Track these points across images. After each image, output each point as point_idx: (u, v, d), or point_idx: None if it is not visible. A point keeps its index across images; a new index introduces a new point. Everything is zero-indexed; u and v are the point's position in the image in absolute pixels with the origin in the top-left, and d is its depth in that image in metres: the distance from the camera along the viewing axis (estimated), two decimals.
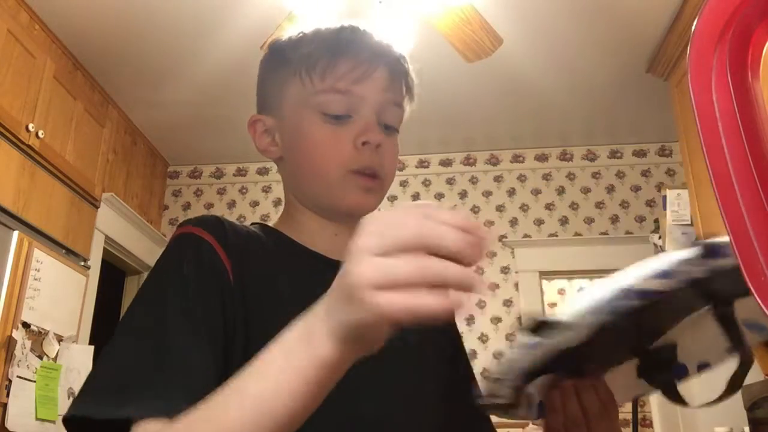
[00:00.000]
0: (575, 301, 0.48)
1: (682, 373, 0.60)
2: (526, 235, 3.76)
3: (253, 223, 0.74)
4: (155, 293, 0.60)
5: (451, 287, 0.38)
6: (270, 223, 0.76)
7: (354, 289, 0.39)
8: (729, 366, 0.61)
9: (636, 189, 3.76)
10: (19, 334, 2.11)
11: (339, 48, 0.70)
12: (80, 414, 0.51)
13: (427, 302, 0.37)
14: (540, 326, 0.48)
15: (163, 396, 0.51)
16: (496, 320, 3.51)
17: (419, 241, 0.38)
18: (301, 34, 0.74)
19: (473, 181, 3.92)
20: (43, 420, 2.20)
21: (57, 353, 2.33)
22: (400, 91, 0.73)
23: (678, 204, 2.65)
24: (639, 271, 0.46)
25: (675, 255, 0.46)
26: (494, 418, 0.73)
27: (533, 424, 0.59)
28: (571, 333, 0.47)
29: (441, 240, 0.38)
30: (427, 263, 0.38)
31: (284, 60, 0.73)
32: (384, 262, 0.38)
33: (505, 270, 3.67)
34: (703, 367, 0.60)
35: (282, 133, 0.74)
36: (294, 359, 0.43)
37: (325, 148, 0.69)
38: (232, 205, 4.01)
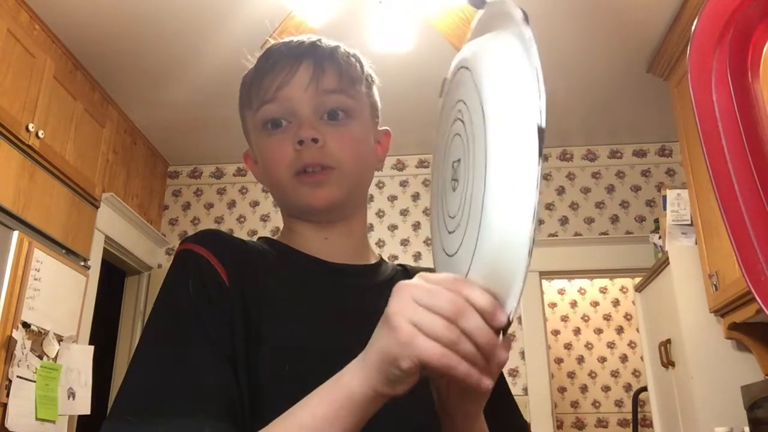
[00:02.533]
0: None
1: None
2: None
3: (259, 238, 0.76)
4: (168, 317, 0.62)
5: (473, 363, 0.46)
6: (271, 234, 0.79)
7: (394, 317, 0.46)
8: None
9: (636, 189, 3.76)
10: (19, 334, 2.11)
11: (262, 66, 0.75)
12: None
13: (460, 368, 0.45)
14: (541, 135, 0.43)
15: (189, 416, 0.54)
16: None
17: (450, 311, 0.45)
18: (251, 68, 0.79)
19: None
20: (43, 420, 2.20)
21: (57, 353, 2.33)
22: (333, 78, 0.72)
23: (678, 204, 2.65)
24: None
25: None
26: None
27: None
28: None
29: (467, 321, 0.45)
30: (462, 341, 0.45)
31: (239, 95, 0.80)
32: (425, 311, 0.45)
33: None
34: None
35: (256, 158, 0.79)
36: (329, 392, 0.50)
37: (272, 156, 0.72)
38: (232, 205, 4.01)
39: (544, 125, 0.44)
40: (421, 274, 0.49)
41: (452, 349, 0.45)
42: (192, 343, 0.58)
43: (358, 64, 0.77)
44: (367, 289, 0.73)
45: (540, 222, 3.76)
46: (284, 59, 0.73)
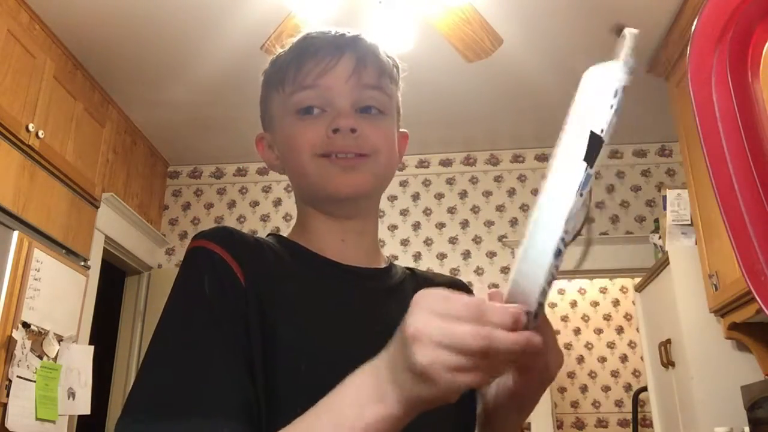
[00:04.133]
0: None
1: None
2: None
3: (268, 235, 0.75)
4: (182, 314, 0.60)
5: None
6: (281, 233, 0.77)
7: (430, 370, 0.44)
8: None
9: (636, 189, 3.76)
10: (19, 334, 2.11)
11: (303, 51, 0.73)
12: None
13: (495, 374, 0.46)
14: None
15: (206, 416, 0.53)
16: None
17: (479, 347, 0.43)
18: (281, 50, 0.77)
19: (473, 181, 3.92)
20: (43, 420, 2.20)
21: (57, 353, 2.33)
22: (373, 74, 0.73)
23: (678, 204, 2.65)
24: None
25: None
26: None
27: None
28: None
29: (498, 346, 0.44)
30: (499, 361, 0.45)
31: (267, 77, 0.77)
32: (458, 356, 0.44)
33: (505, 270, 3.67)
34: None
35: (278, 145, 0.76)
36: (368, 415, 0.48)
37: (299, 139, 0.71)
38: (232, 205, 4.01)
39: (601, 134, 0.45)
40: (432, 302, 0.46)
41: (493, 370, 0.46)
42: (208, 343, 0.57)
43: (394, 66, 0.77)
44: (380, 293, 0.73)
45: None
46: (327, 47, 0.72)
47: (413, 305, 0.46)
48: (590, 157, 0.45)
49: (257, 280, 0.63)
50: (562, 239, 0.45)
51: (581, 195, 0.45)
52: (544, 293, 0.46)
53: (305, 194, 0.75)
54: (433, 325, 0.44)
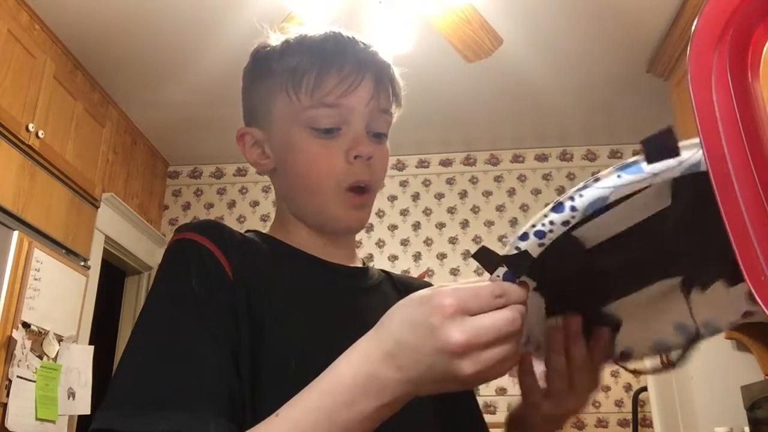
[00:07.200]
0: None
1: (609, 354, 0.62)
2: None
3: (247, 231, 0.74)
4: (168, 305, 0.59)
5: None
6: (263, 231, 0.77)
7: (482, 378, 0.47)
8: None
9: None
10: (19, 334, 2.11)
11: (324, 61, 0.70)
12: (106, 427, 0.51)
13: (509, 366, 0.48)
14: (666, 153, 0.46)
15: (192, 411, 0.51)
16: None
17: (507, 335, 0.47)
18: (285, 44, 0.73)
19: (473, 181, 3.92)
20: (43, 420, 2.20)
21: (57, 353, 2.33)
22: (387, 98, 0.73)
23: None
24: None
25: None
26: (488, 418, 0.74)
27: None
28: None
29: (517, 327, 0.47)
30: (512, 350, 0.47)
31: (269, 71, 0.73)
32: (483, 354, 0.46)
33: None
34: (626, 354, 0.63)
35: (272, 145, 0.73)
36: (364, 408, 0.48)
37: (317, 162, 0.69)
38: (232, 205, 4.01)
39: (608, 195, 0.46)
40: (447, 312, 0.47)
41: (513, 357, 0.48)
42: (194, 336, 0.56)
43: (399, 86, 0.76)
44: (361, 291, 0.73)
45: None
46: (350, 63, 0.70)
47: (428, 318, 0.47)
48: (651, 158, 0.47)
49: (245, 275, 0.62)
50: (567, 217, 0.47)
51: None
52: (524, 236, 0.48)
53: (301, 209, 0.73)
54: (470, 337, 0.46)
